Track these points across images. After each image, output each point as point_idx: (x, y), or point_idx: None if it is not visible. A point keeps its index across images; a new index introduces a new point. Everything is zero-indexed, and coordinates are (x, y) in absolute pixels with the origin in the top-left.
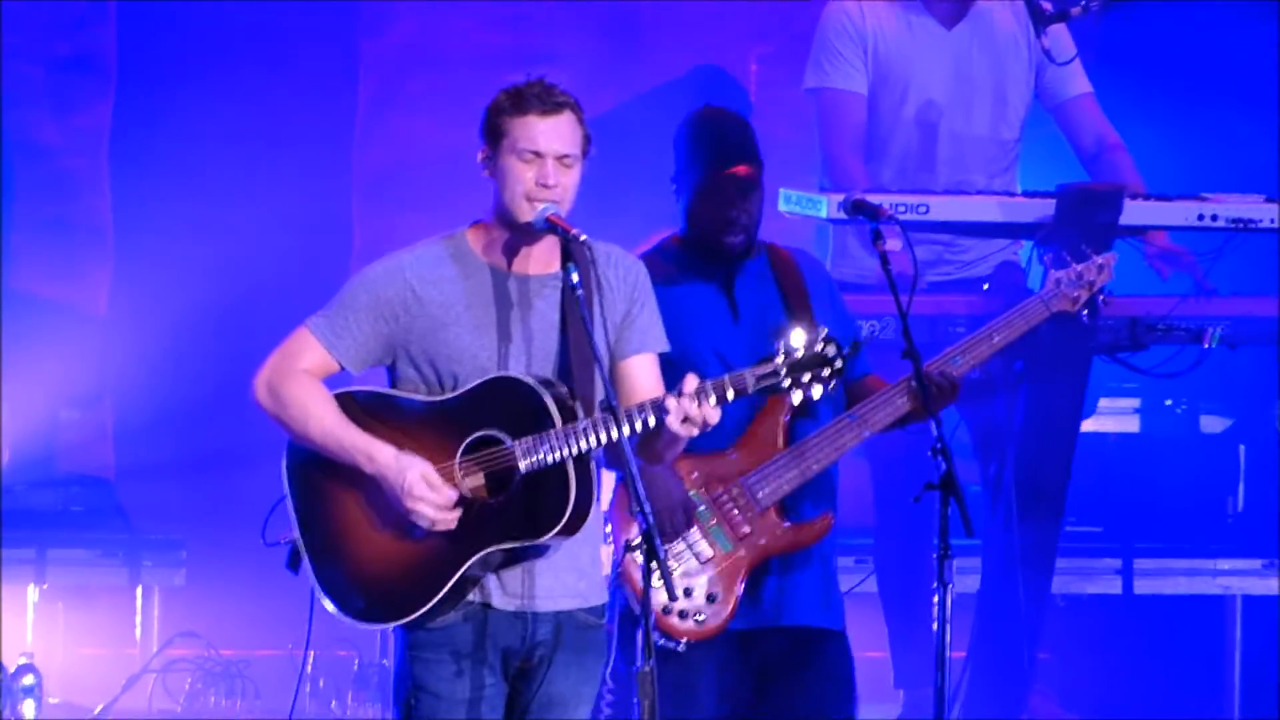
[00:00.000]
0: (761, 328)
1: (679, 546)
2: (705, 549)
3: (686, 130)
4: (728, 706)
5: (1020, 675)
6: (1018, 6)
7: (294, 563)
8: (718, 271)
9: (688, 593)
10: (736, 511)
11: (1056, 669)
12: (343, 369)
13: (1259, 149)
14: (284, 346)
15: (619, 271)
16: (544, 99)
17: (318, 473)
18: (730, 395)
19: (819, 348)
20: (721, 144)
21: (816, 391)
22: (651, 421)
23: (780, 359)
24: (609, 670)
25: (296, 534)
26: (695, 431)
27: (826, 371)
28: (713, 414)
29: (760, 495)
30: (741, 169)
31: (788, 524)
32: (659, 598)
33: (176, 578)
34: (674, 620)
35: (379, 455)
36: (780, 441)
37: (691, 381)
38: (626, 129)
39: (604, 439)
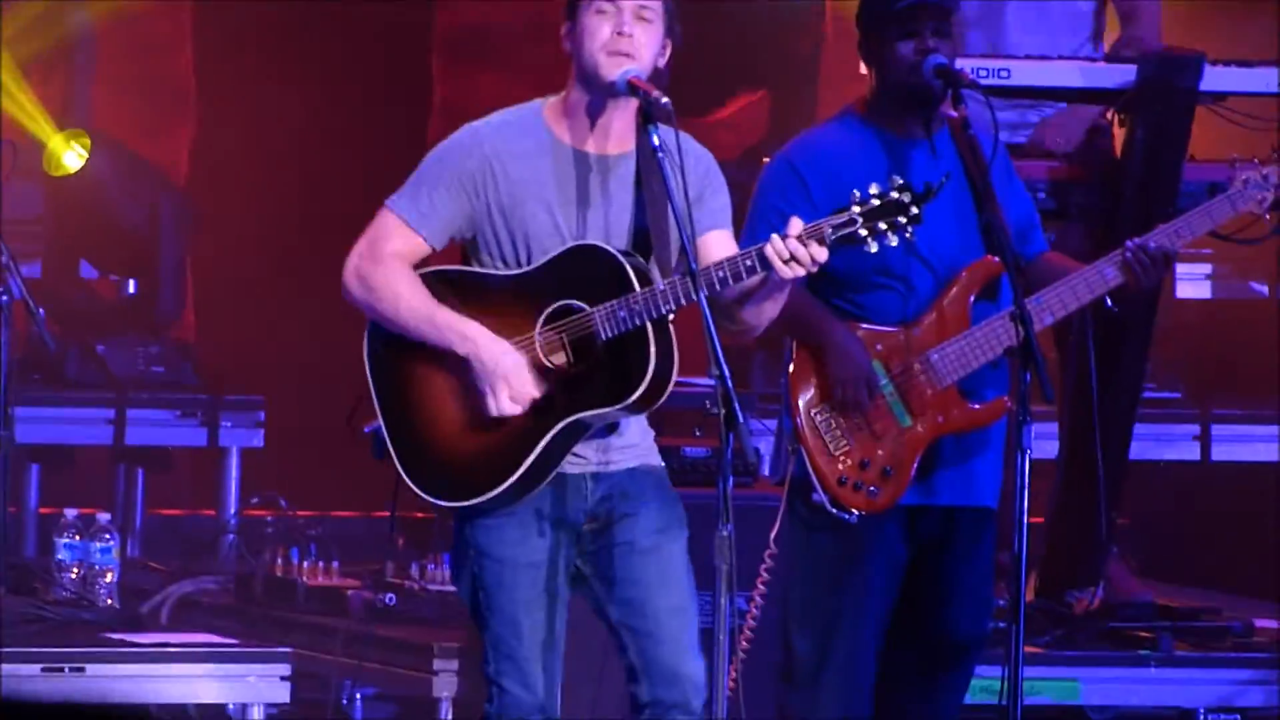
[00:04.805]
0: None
1: (857, 418)
2: (883, 422)
3: None
4: (893, 581)
5: (1097, 540)
6: None
7: (380, 450)
8: (915, 122)
9: (864, 465)
10: (918, 387)
11: (1134, 534)
12: (431, 249)
13: None
14: (369, 233)
15: (690, 157)
16: None
17: (398, 355)
18: (814, 244)
19: (894, 194)
20: None
21: (893, 240)
22: (748, 268)
23: (856, 208)
24: (773, 535)
25: (379, 420)
26: (801, 271)
27: (903, 219)
28: (820, 251)
29: (943, 372)
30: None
31: (970, 404)
32: (833, 468)
33: (255, 439)
34: (848, 492)
35: (473, 334)
36: (966, 320)
37: (796, 224)
38: None
39: (684, 301)
